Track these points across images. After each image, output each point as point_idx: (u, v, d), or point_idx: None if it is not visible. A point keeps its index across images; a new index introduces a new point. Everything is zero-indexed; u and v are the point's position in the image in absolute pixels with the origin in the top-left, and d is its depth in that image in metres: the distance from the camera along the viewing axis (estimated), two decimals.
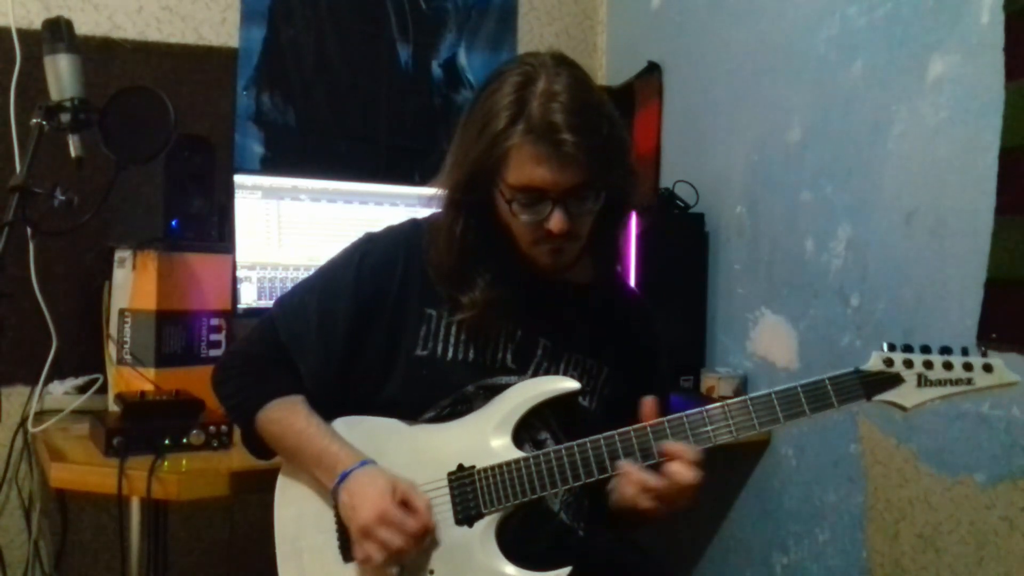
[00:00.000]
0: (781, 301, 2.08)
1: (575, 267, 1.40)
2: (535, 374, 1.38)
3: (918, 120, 1.72)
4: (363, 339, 1.37)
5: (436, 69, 2.70)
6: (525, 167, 1.25)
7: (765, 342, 2.14)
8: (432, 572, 1.27)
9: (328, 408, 1.37)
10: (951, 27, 1.65)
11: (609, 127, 1.28)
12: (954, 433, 1.62)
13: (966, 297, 1.59)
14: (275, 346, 1.39)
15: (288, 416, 1.35)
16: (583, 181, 1.26)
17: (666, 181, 2.47)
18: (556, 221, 1.27)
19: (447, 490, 1.29)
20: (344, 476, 1.27)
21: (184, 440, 1.69)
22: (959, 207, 1.62)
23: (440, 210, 1.37)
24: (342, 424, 1.36)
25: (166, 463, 1.62)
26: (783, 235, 2.08)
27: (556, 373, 1.39)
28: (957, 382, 1.18)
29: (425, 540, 1.24)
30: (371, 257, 1.40)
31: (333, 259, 1.44)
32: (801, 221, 2.02)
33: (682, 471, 1.20)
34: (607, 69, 2.87)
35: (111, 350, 1.99)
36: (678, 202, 2.33)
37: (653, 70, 2.60)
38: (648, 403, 1.26)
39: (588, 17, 2.90)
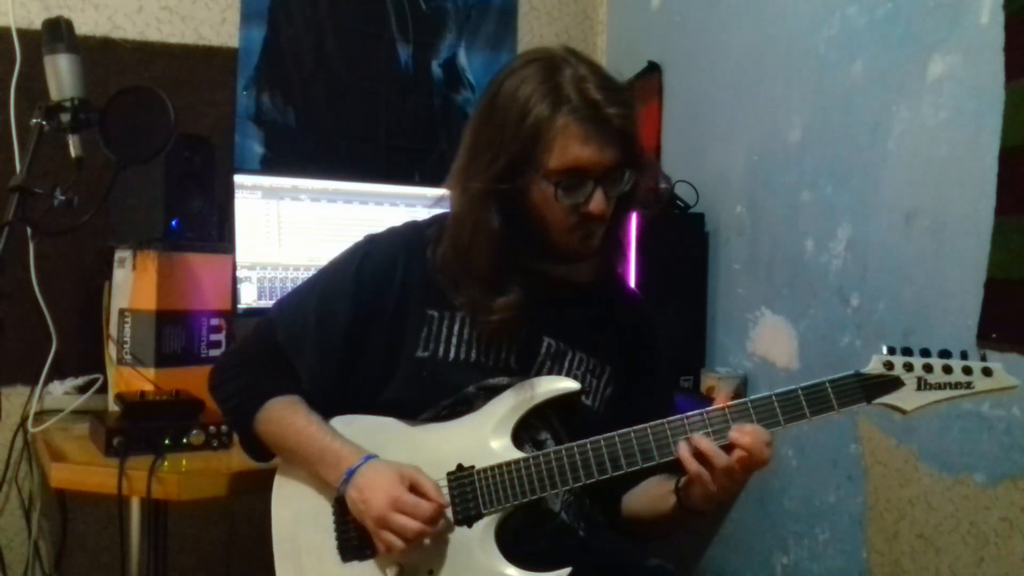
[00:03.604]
0: (781, 301, 2.08)
1: (573, 266, 1.40)
2: (538, 374, 1.37)
3: (918, 120, 1.72)
4: (362, 341, 1.37)
5: (436, 69, 2.70)
6: (571, 148, 1.26)
7: (765, 342, 2.14)
8: (431, 572, 1.27)
9: (327, 410, 1.37)
10: (951, 27, 1.65)
11: (636, 109, 1.33)
12: (954, 433, 1.62)
13: (966, 297, 1.59)
14: (273, 347, 1.39)
15: (288, 416, 1.35)
16: (620, 160, 1.29)
17: None
18: (597, 202, 1.28)
19: (447, 490, 1.29)
20: (351, 473, 1.27)
21: (184, 440, 1.70)
22: (959, 207, 1.62)
23: (466, 209, 1.33)
24: (339, 423, 1.36)
25: (166, 463, 1.62)
26: (783, 235, 2.08)
27: (560, 372, 1.39)
28: (956, 386, 1.18)
29: (440, 522, 1.24)
30: (371, 259, 1.40)
31: (333, 261, 1.44)
32: (801, 221, 2.02)
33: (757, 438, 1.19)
34: (607, 69, 2.86)
35: (111, 350, 1.99)
36: (678, 202, 2.33)
37: (653, 70, 2.60)
38: None
39: (588, 17, 2.90)
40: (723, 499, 1.23)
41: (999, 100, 1.54)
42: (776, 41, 2.12)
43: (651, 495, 1.37)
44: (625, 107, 1.28)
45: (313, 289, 1.43)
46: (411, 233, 1.43)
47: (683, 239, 2.32)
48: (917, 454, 1.70)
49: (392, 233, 1.45)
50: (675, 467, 1.26)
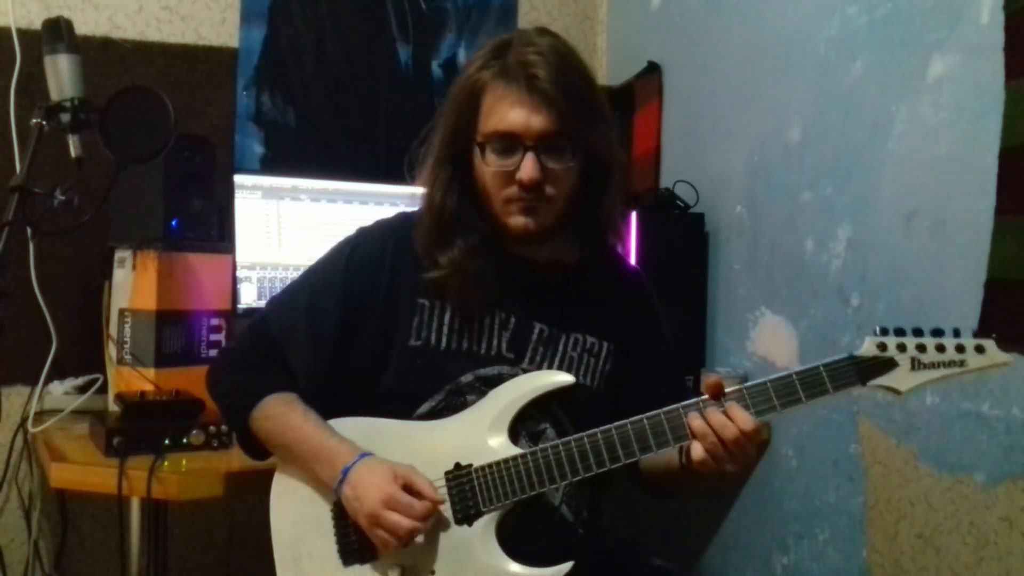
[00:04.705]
0: (781, 301, 2.08)
1: (559, 248, 1.39)
2: (532, 360, 1.38)
3: (918, 120, 1.72)
4: (354, 332, 1.38)
5: (436, 69, 2.70)
6: (498, 109, 1.28)
7: (765, 342, 2.14)
8: (433, 572, 1.27)
9: (324, 403, 1.37)
10: (951, 27, 1.65)
11: (585, 84, 1.31)
12: (954, 433, 1.62)
13: (966, 297, 1.59)
14: (268, 343, 1.40)
15: (285, 412, 1.35)
16: (557, 129, 1.27)
17: (666, 181, 2.46)
18: (526, 168, 1.27)
19: (444, 490, 1.29)
20: (346, 471, 1.26)
21: (184, 440, 1.69)
22: (959, 207, 1.62)
23: (420, 181, 1.39)
24: (335, 425, 1.36)
25: (166, 463, 1.62)
26: (783, 235, 2.08)
27: (553, 357, 1.39)
28: (950, 364, 1.18)
29: (432, 518, 1.24)
30: (360, 251, 1.41)
31: (324, 255, 1.46)
32: (801, 221, 2.02)
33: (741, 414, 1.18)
34: (607, 69, 2.87)
35: (111, 350, 1.99)
36: (678, 202, 2.33)
37: (653, 70, 2.60)
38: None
39: (588, 17, 2.90)
40: (728, 470, 1.22)
41: (999, 100, 1.54)
42: (776, 41, 2.12)
43: (663, 457, 1.36)
44: (560, 75, 1.26)
45: (305, 284, 1.44)
46: (400, 224, 1.44)
47: (683, 239, 2.32)
48: (917, 454, 1.70)
49: (381, 225, 1.46)
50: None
